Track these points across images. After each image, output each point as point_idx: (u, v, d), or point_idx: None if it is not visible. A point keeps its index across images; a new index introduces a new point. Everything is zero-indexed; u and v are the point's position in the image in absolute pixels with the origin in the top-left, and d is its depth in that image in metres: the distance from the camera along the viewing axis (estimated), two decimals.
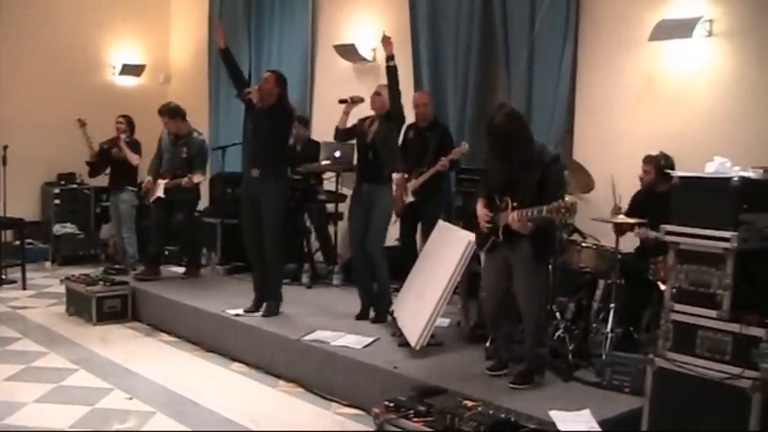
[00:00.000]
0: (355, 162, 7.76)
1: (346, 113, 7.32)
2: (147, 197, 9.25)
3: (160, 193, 9.00)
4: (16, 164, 11.27)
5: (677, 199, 4.69)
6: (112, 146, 9.88)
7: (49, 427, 5.51)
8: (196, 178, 8.85)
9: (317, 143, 9.37)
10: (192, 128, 9.25)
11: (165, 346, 7.70)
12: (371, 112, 7.25)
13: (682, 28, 6.97)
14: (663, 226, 4.68)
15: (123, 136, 9.74)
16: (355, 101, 7.29)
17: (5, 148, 10.63)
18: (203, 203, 10.79)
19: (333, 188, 9.30)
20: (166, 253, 9.95)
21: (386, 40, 6.98)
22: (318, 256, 9.53)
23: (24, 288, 10.00)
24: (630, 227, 6.30)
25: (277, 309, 7.41)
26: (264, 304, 7.41)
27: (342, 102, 7.33)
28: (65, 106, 11.73)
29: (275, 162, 7.30)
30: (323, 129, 9.47)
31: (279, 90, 7.25)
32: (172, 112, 9.12)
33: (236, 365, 7.02)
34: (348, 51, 9.95)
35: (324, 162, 9.08)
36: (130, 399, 6.09)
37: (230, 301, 7.74)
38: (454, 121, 8.57)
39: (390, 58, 6.94)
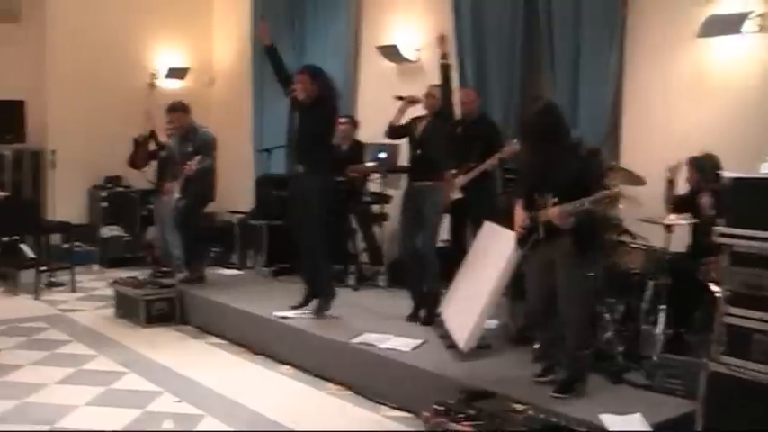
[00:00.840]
0: (407, 161, 7.73)
1: (401, 111, 7.32)
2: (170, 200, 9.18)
3: (177, 194, 8.99)
4: (64, 168, 11.50)
5: (730, 200, 4.61)
6: (161, 149, 9.93)
7: (100, 429, 5.56)
8: (194, 163, 8.64)
9: (363, 145, 9.37)
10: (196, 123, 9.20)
11: (214, 348, 7.73)
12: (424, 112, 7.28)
13: (731, 24, 6.86)
14: (716, 228, 4.61)
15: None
16: (412, 101, 7.28)
17: (53, 152, 10.76)
18: (248, 205, 10.86)
19: (378, 189, 9.30)
20: (211, 255, 10.01)
21: (441, 39, 7.05)
22: (364, 258, 9.51)
23: (73, 291, 10.12)
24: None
25: (327, 305, 7.40)
26: (314, 301, 7.42)
27: (399, 98, 7.32)
28: (111, 110, 11.91)
29: (319, 156, 7.28)
30: (367, 130, 9.47)
31: (317, 84, 7.24)
32: (186, 107, 9.10)
33: (284, 368, 7.02)
34: (391, 52, 9.92)
35: (369, 163, 9.08)
36: (180, 402, 6.12)
37: (277, 304, 7.73)
38: (499, 120, 8.51)
39: (444, 56, 6.96)
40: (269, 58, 7.72)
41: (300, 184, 7.32)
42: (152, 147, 10.28)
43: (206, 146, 8.91)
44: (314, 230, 7.30)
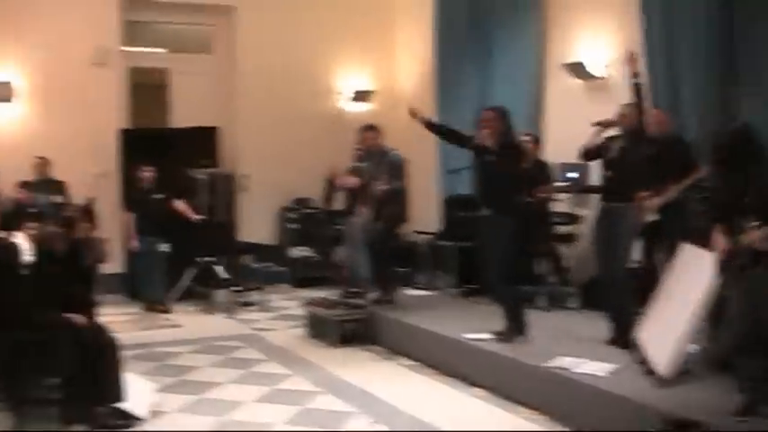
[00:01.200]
0: (600, 182, 7.55)
1: (597, 135, 7.16)
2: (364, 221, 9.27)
3: (369, 214, 9.02)
4: (255, 190, 11.91)
5: None
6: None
7: None
8: (381, 184, 8.76)
9: (546, 164, 9.20)
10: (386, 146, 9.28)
11: (405, 369, 7.71)
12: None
13: None
14: None
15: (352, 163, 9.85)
16: (608, 124, 7.12)
17: (246, 176, 11.11)
18: (435, 226, 10.87)
19: (567, 209, 9.12)
20: (400, 275, 10.05)
21: (631, 58, 6.84)
22: (553, 279, 9.33)
23: (265, 310, 10.39)
24: None
25: (514, 336, 7.20)
26: (505, 331, 7.28)
27: (596, 125, 7.16)
28: (300, 133, 12.26)
29: (507, 199, 7.20)
30: (554, 149, 9.33)
31: (503, 127, 7.17)
32: (379, 129, 9.24)
33: (475, 390, 6.92)
34: (578, 69, 9.74)
35: (557, 183, 8.92)
36: (374, 423, 6.15)
37: (468, 325, 7.66)
38: (694, 139, 8.16)
39: (635, 75, 6.77)
40: (434, 132, 7.70)
41: (488, 226, 7.26)
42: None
43: (396, 168, 8.98)
44: (499, 269, 7.21)
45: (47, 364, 5.98)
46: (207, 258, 10.65)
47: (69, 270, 6.36)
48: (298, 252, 12.13)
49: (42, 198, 10.06)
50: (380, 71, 13.41)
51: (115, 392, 5.96)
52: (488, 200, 7.30)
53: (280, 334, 9.18)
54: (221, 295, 10.50)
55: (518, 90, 10.41)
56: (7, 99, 11.21)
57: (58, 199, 10.38)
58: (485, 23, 11.26)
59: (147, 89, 12.90)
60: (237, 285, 10.57)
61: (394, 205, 8.94)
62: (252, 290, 10.77)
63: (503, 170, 7.14)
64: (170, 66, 12.75)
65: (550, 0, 10.31)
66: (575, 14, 9.99)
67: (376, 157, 9.10)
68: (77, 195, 10.20)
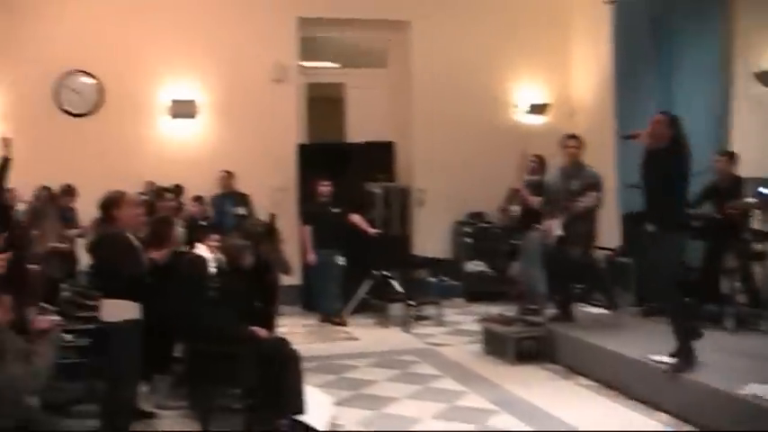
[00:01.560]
0: None
1: None
2: (547, 237, 9.06)
3: (558, 231, 8.80)
4: (430, 204, 11.96)
5: None
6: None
7: None
8: (584, 202, 8.44)
9: (740, 179, 8.78)
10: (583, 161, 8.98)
11: (585, 390, 7.48)
12: None
13: None
14: None
15: (525, 176, 9.66)
16: None
17: (422, 190, 11.15)
18: (613, 241, 10.58)
19: (758, 226, 8.68)
20: (577, 292, 9.83)
21: None
22: (742, 299, 8.88)
23: (440, 324, 10.37)
24: None
25: (685, 366, 6.73)
26: (678, 362, 6.84)
27: None
28: (475, 147, 12.25)
29: (670, 212, 6.83)
30: (745, 162, 8.90)
31: (672, 132, 6.80)
32: (581, 139, 8.98)
33: (661, 416, 6.63)
34: None
35: (749, 199, 8.50)
36: None
37: (650, 346, 7.32)
38: None
39: None
40: None
41: (653, 244, 6.95)
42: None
43: (597, 184, 8.69)
44: (665, 289, 6.88)
45: (231, 374, 6.14)
46: (382, 272, 10.72)
47: (254, 283, 6.50)
48: (472, 266, 12.09)
49: (210, 211, 10.45)
50: (556, 83, 13.21)
51: (297, 404, 6.06)
52: (652, 215, 7.00)
53: (455, 349, 9.14)
54: (396, 309, 10.58)
55: (703, 101, 10.00)
56: (191, 116, 11.70)
57: (242, 211, 10.73)
58: (666, 33, 10.87)
59: (324, 104, 13.17)
60: (412, 299, 10.57)
61: (587, 222, 8.69)
62: (426, 304, 10.77)
63: (653, 172, 6.84)
64: (345, 80, 13.00)
65: (738, 5, 9.86)
66: (764, 19, 9.53)
67: (569, 170, 8.84)
68: (258, 208, 10.48)
